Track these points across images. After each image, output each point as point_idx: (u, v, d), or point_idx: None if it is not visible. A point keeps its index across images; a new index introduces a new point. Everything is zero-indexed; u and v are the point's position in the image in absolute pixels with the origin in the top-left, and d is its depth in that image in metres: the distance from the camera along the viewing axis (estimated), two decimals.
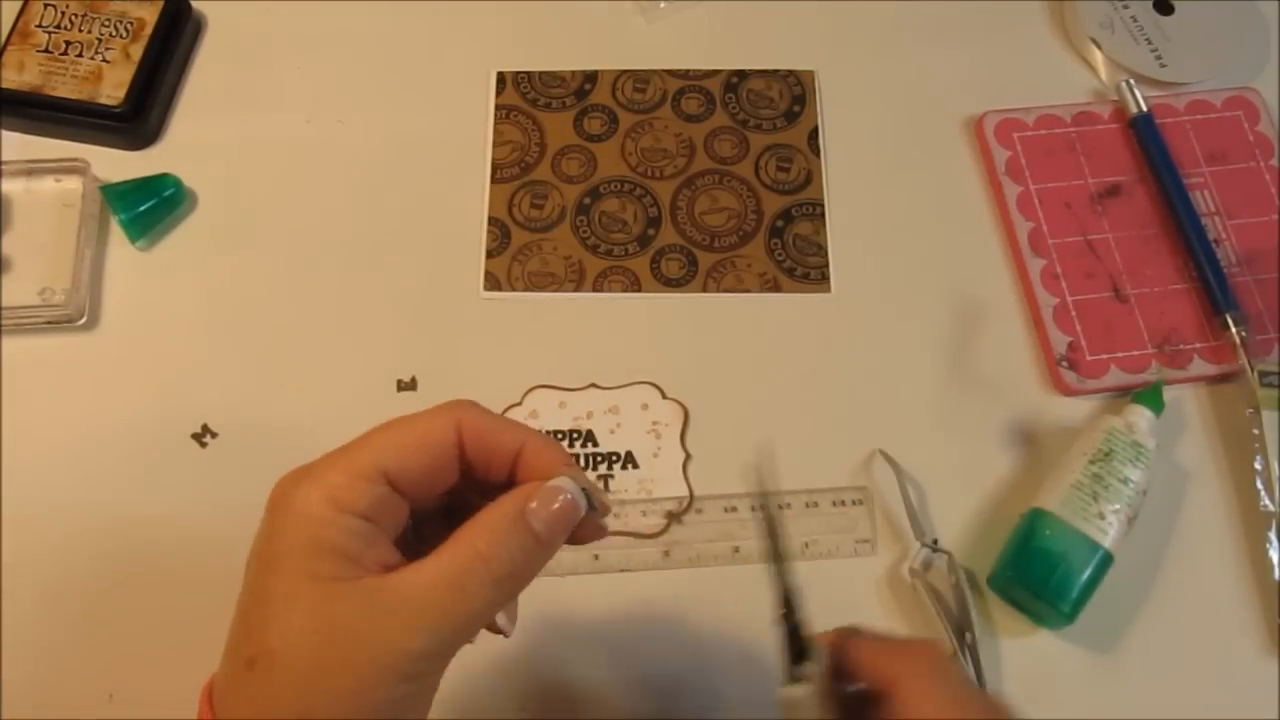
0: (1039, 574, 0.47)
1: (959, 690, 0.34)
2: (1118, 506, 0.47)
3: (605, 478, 0.51)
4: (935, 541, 0.49)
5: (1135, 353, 0.54)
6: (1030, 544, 0.47)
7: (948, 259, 0.57)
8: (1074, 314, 0.54)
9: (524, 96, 0.61)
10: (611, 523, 0.50)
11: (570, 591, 0.49)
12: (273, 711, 0.29)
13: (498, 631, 0.34)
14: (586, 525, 0.34)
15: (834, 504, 0.50)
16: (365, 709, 0.29)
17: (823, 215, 0.58)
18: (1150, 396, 0.51)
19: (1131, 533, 0.49)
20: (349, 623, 0.29)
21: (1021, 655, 0.48)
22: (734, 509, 0.50)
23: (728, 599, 0.49)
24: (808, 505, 0.50)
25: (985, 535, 0.50)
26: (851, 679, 0.35)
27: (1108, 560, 0.47)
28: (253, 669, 0.29)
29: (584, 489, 0.33)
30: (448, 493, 0.34)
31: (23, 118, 0.59)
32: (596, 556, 0.49)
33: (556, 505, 0.32)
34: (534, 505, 0.31)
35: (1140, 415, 0.50)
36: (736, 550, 0.50)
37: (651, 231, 0.57)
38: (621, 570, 0.49)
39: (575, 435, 0.52)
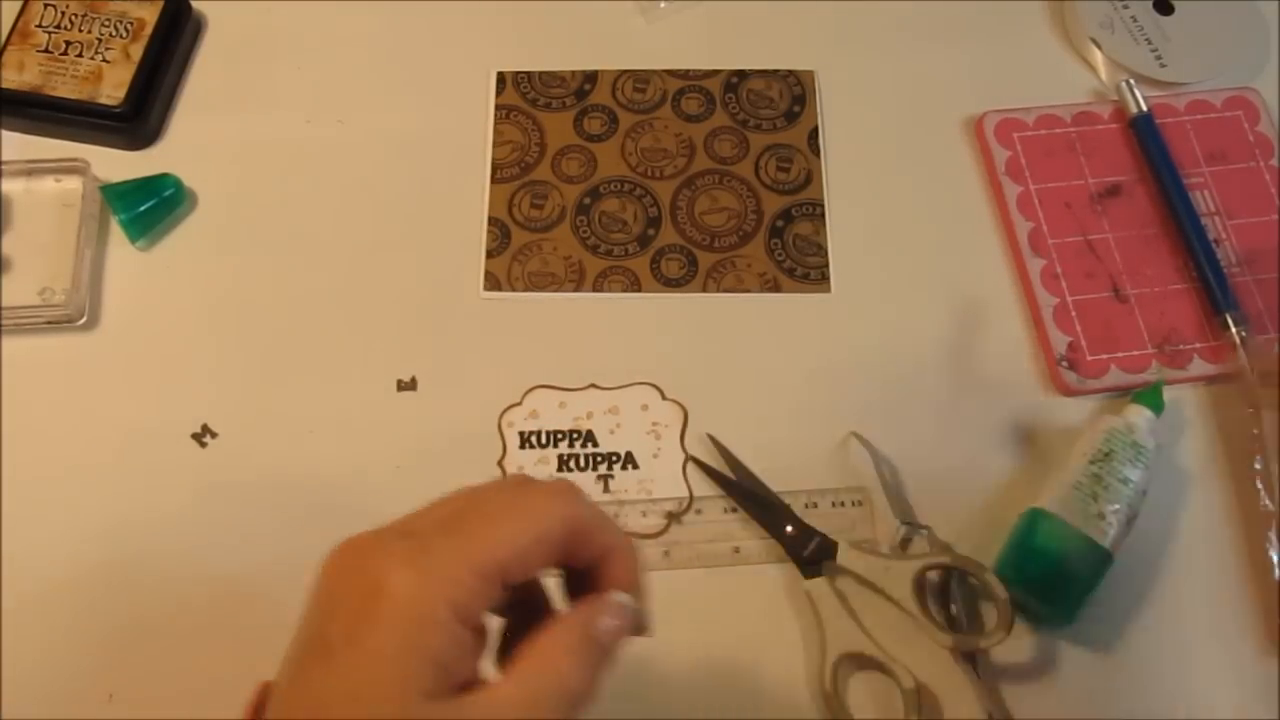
0: (1038, 574, 0.47)
1: None
2: (1117, 506, 0.47)
3: (605, 478, 0.51)
4: (914, 522, 0.49)
5: (1135, 353, 0.54)
6: (1030, 544, 0.47)
7: (948, 259, 0.57)
8: (1074, 314, 0.54)
9: (524, 96, 0.61)
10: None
11: None
12: None
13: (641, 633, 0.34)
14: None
15: (833, 504, 0.50)
16: None
17: (823, 215, 0.58)
18: (1150, 396, 0.51)
19: (1132, 533, 0.49)
20: None
21: (1020, 654, 0.48)
22: (733, 509, 0.50)
23: (727, 599, 0.49)
24: (807, 506, 0.50)
25: (985, 534, 0.50)
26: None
27: (1108, 560, 0.47)
28: None
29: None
30: None
31: (23, 118, 0.59)
32: None
33: (620, 622, 0.31)
34: (604, 621, 0.31)
35: (1140, 415, 0.50)
36: (737, 550, 0.50)
37: (651, 231, 0.57)
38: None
39: (575, 435, 0.52)
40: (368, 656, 0.27)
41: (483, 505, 0.31)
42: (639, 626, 0.32)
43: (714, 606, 0.48)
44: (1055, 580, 0.46)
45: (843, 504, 0.51)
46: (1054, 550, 0.47)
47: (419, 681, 0.27)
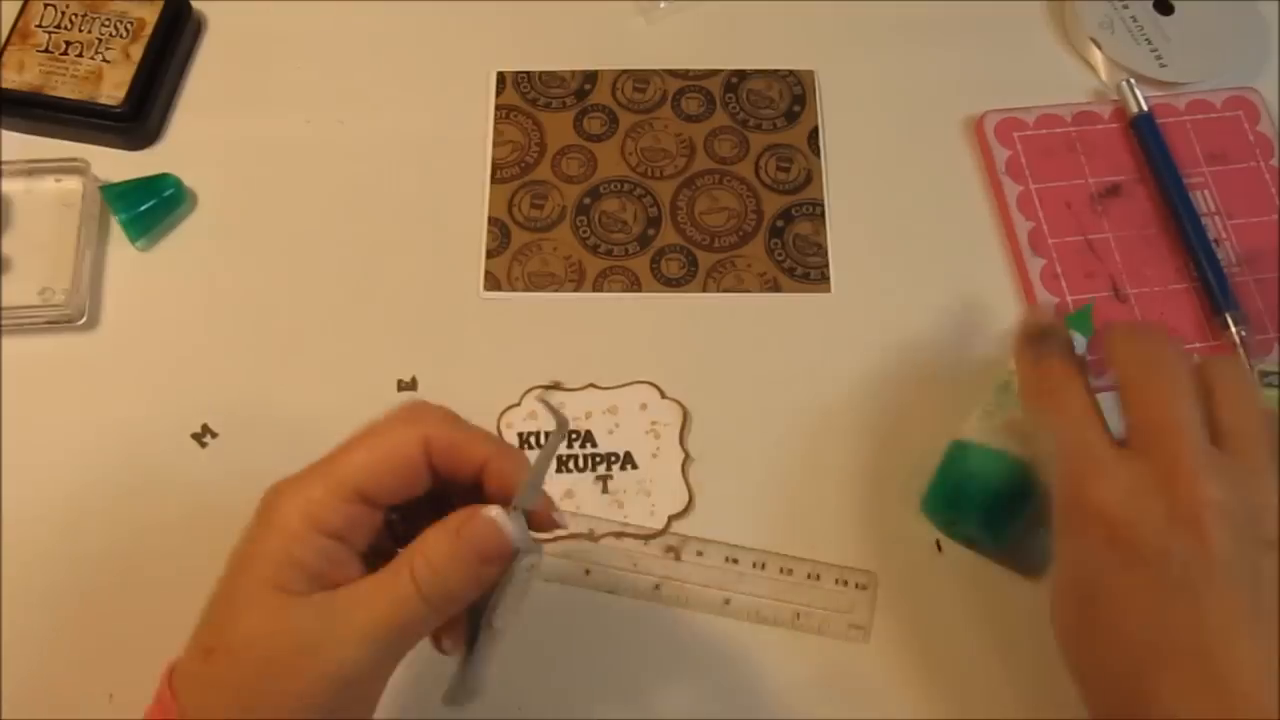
0: (961, 498, 0.47)
1: None
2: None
3: (604, 478, 0.51)
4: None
5: None
6: (948, 472, 0.48)
7: (948, 259, 0.57)
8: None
9: (524, 96, 0.61)
10: (612, 523, 0.50)
11: (573, 595, 0.49)
12: (221, 701, 0.33)
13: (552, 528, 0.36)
14: (540, 516, 0.36)
15: (836, 581, 0.49)
16: (307, 710, 0.32)
17: (823, 215, 0.58)
18: (1078, 319, 0.51)
19: None
20: (298, 631, 0.32)
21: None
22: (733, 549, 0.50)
23: (727, 598, 0.49)
24: (809, 576, 0.49)
25: None
26: None
27: (1029, 470, 0.47)
28: (209, 659, 0.33)
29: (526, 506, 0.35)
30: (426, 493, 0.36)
31: (23, 118, 0.59)
32: (588, 572, 0.49)
33: (479, 526, 0.33)
34: (466, 530, 0.33)
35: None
36: (735, 561, 0.50)
37: (651, 231, 0.57)
38: (629, 570, 0.49)
39: (574, 436, 0.52)
40: (249, 561, 0.33)
41: (352, 437, 0.35)
42: (504, 542, 0.34)
43: (713, 606, 0.48)
44: (975, 499, 0.47)
45: (845, 583, 0.49)
46: (971, 471, 0.47)
47: (286, 579, 0.32)
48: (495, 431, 0.52)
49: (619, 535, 0.50)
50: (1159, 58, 0.61)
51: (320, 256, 0.57)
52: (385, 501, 0.35)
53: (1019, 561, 0.49)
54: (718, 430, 0.52)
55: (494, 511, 0.34)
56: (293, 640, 0.32)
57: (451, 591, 0.33)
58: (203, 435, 0.52)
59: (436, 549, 0.33)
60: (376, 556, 0.35)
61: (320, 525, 0.33)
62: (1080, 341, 0.50)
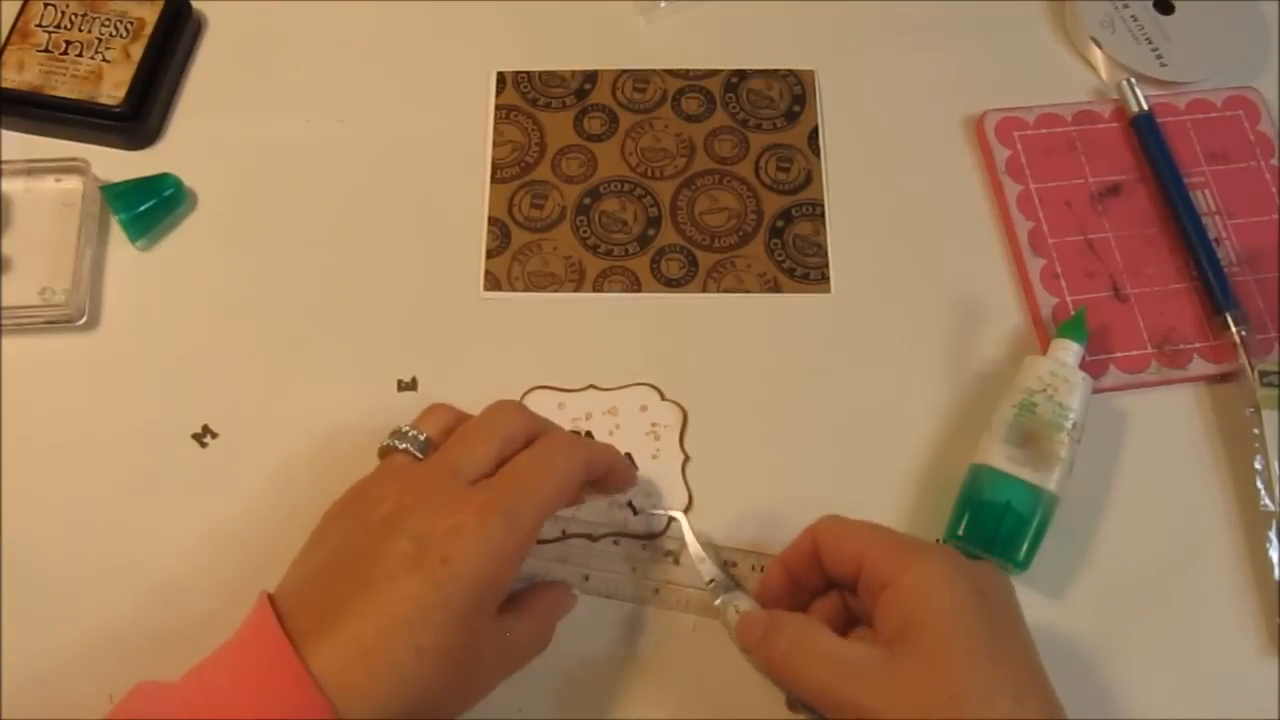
0: (988, 529, 0.47)
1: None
2: (1052, 447, 0.48)
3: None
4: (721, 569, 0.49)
5: (1135, 352, 0.54)
6: (975, 500, 0.48)
7: (948, 258, 0.57)
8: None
9: (524, 96, 0.61)
10: (613, 522, 0.50)
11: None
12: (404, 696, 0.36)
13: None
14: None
15: None
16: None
17: (823, 215, 0.58)
18: (1073, 327, 0.51)
19: (1131, 533, 0.49)
20: (485, 654, 0.39)
21: None
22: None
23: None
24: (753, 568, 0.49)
25: None
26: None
27: (1053, 502, 0.48)
28: (419, 660, 0.36)
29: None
30: None
31: (23, 118, 0.59)
32: (587, 577, 0.49)
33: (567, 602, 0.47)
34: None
35: (1066, 350, 0.50)
36: (733, 565, 0.50)
37: (651, 231, 0.57)
38: (628, 573, 0.49)
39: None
40: (455, 578, 0.36)
41: (526, 466, 0.41)
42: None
43: (711, 607, 0.49)
44: (1004, 532, 0.47)
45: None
46: (998, 502, 0.47)
47: (488, 605, 0.38)
48: None
49: (618, 538, 0.50)
50: (1159, 57, 0.61)
51: (320, 256, 0.57)
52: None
53: (1037, 581, 0.49)
54: (718, 431, 0.52)
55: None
56: (480, 655, 0.39)
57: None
58: (203, 435, 0.52)
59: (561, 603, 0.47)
60: None
61: (526, 556, 0.40)
62: (1075, 349, 0.50)
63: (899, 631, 0.38)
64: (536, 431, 0.43)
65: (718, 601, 0.46)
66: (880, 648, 0.38)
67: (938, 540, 0.49)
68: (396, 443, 0.43)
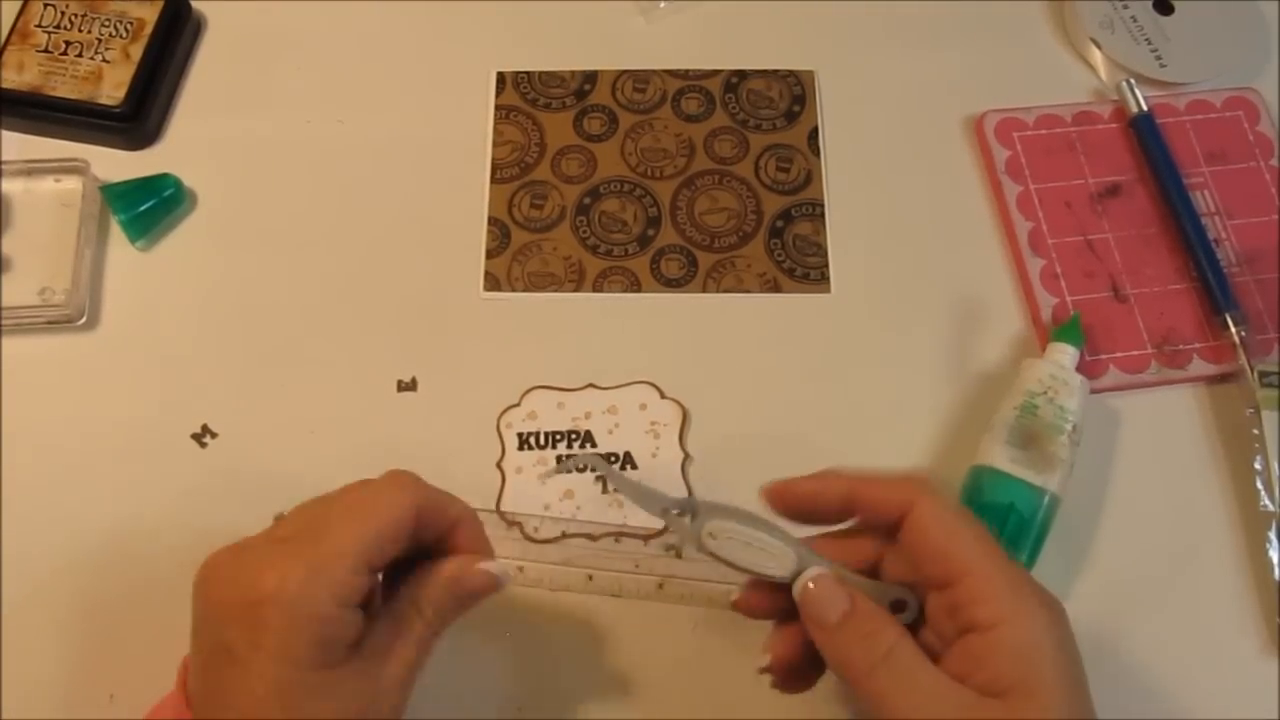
0: (990, 529, 0.47)
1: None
2: (1053, 449, 0.48)
3: (604, 478, 0.51)
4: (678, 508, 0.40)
5: (1135, 352, 0.54)
6: (977, 501, 0.48)
7: (947, 259, 0.57)
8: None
9: (524, 96, 0.61)
10: (612, 522, 0.50)
11: (575, 598, 0.49)
12: None
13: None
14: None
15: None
16: None
17: (823, 215, 0.58)
18: (1069, 331, 0.51)
19: (1131, 533, 0.49)
20: (355, 694, 0.35)
21: None
22: None
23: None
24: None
25: None
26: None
27: (1055, 503, 0.48)
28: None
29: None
30: None
31: (23, 118, 0.59)
32: (591, 578, 0.49)
33: (480, 582, 0.40)
34: (466, 581, 0.39)
35: (1063, 353, 0.51)
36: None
37: (651, 232, 0.57)
38: (631, 571, 0.49)
39: (574, 436, 0.52)
40: (269, 657, 0.34)
41: (337, 508, 0.37)
42: (496, 584, 0.40)
43: (708, 609, 0.48)
44: (1008, 532, 0.47)
45: None
46: (1001, 503, 0.47)
47: (310, 662, 0.34)
48: (495, 432, 0.52)
49: (619, 535, 0.50)
50: (1159, 58, 0.61)
51: (320, 256, 0.57)
52: (383, 566, 0.37)
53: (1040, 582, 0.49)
54: (718, 430, 0.52)
55: (491, 566, 0.40)
56: (353, 704, 0.35)
57: (450, 623, 0.39)
58: (203, 435, 0.52)
59: (441, 597, 0.39)
60: None
61: (346, 601, 0.35)
62: (1072, 352, 0.50)
63: (999, 685, 0.35)
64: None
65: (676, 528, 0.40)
66: (979, 696, 0.35)
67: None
68: None
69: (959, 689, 0.35)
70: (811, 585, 0.38)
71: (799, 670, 0.40)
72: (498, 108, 0.61)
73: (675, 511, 0.39)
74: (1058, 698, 0.34)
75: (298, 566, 0.34)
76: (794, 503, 0.40)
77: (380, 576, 0.39)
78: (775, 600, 0.39)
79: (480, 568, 0.40)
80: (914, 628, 0.38)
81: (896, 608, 0.38)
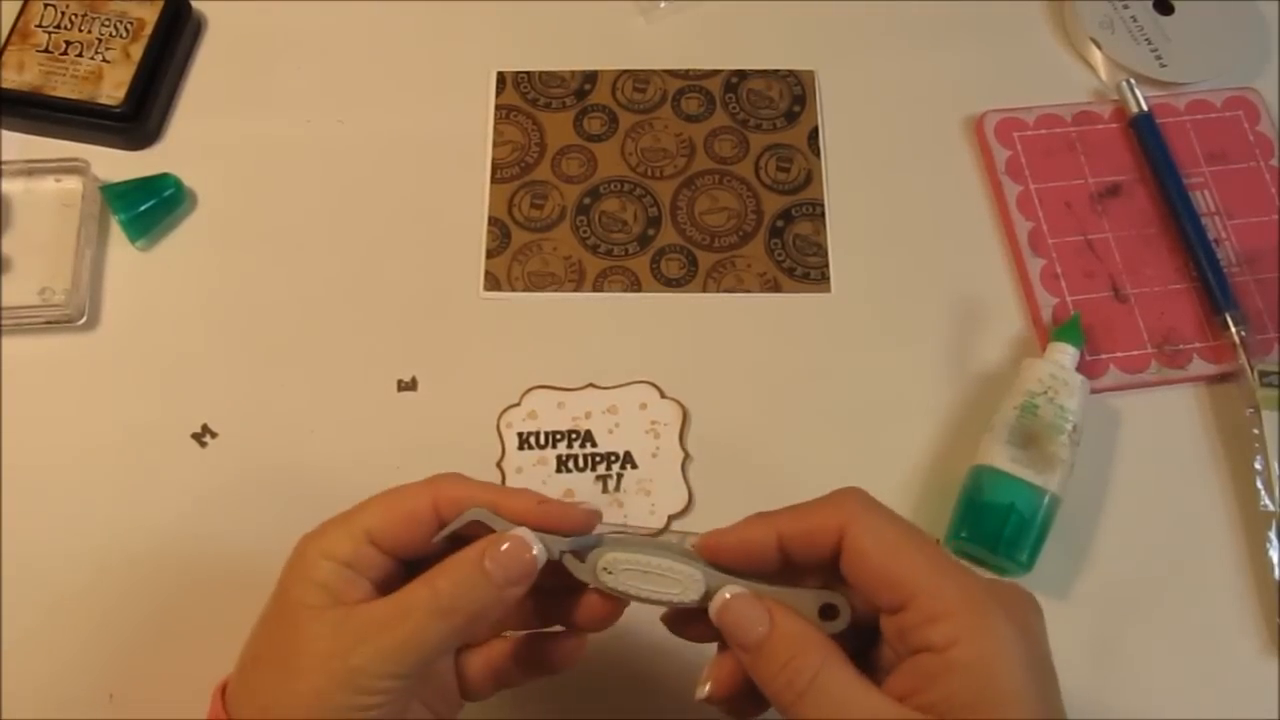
0: (992, 530, 0.47)
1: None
2: (1054, 449, 0.48)
3: (604, 478, 0.51)
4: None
5: (1135, 352, 0.54)
6: (977, 501, 0.48)
7: (947, 259, 0.57)
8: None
9: (524, 96, 0.61)
10: (613, 523, 0.50)
11: None
12: (254, 703, 0.35)
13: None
14: (561, 645, 0.39)
15: None
16: (322, 711, 0.34)
17: (823, 215, 0.58)
18: (1069, 331, 0.51)
19: (1131, 533, 0.49)
20: (315, 637, 0.34)
21: None
22: None
23: None
24: None
25: None
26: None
27: (1055, 503, 0.48)
28: (243, 670, 0.36)
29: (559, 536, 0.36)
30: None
31: (23, 118, 0.59)
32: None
33: (505, 546, 0.35)
34: (492, 550, 0.35)
35: (1064, 353, 0.51)
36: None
37: (651, 231, 0.57)
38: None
39: (574, 436, 0.52)
40: (279, 591, 0.36)
41: (379, 494, 0.37)
42: (526, 551, 0.36)
43: None
44: (1008, 532, 0.47)
45: None
46: (1001, 503, 0.47)
47: (308, 597, 0.35)
48: (495, 432, 0.52)
49: (620, 531, 0.50)
50: (1159, 58, 0.61)
51: (320, 256, 0.57)
52: (393, 548, 0.36)
53: (1039, 582, 0.49)
54: (717, 430, 0.52)
55: (521, 531, 0.36)
56: (310, 647, 0.34)
57: (472, 609, 0.35)
58: (203, 435, 0.52)
59: (460, 568, 0.35)
60: None
61: (331, 555, 0.36)
62: (1072, 352, 0.50)
63: (951, 703, 0.32)
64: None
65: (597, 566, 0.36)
66: (918, 715, 0.32)
67: (948, 538, 0.49)
68: None
69: (899, 709, 0.32)
70: (725, 607, 0.35)
71: (747, 696, 0.36)
72: (498, 108, 0.61)
73: (567, 551, 0.36)
74: (1023, 712, 0.32)
75: (314, 533, 0.37)
76: (727, 556, 0.36)
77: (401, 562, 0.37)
78: (710, 627, 0.36)
79: (514, 533, 0.36)
80: (871, 644, 0.36)
81: (827, 613, 0.35)
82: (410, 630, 0.34)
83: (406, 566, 0.37)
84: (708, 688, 0.37)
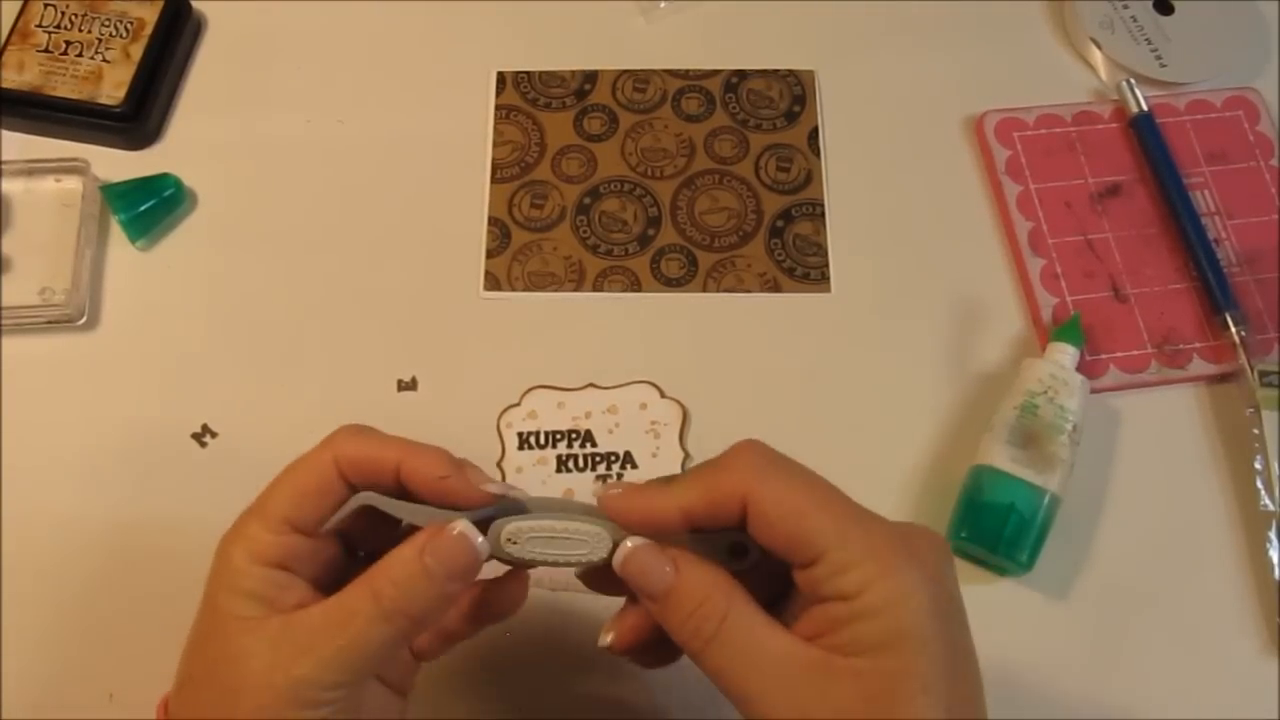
0: (992, 530, 0.47)
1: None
2: (1054, 449, 0.48)
3: (604, 478, 0.51)
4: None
5: (1135, 352, 0.54)
6: (977, 501, 0.48)
7: (947, 258, 0.57)
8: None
9: (524, 96, 0.61)
10: None
11: (573, 598, 0.49)
12: None
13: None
14: (504, 590, 0.37)
15: None
16: None
17: (823, 215, 0.58)
18: (1069, 331, 0.51)
19: (1131, 533, 0.49)
20: (252, 653, 0.33)
21: (1010, 656, 0.48)
22: None
23: None
24: None
25: None
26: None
27: (1055, 503, 0.48)
28: (180, 690, 0.35)
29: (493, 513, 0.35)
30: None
31: (23, 118, 0.59)
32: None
33: (445, 540, 0.34)
34: (431, 546, 0.34)
35: (1064, 353, 0.51)
36: None
37: (651, 231, 0.57)
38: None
39: (574, 435, 0.52)
40: (207, 601, 0.35)
41: (285, 470, 0.37)
42: (469, 547, 0.34)
43: None
44: (1008, 531, 0.47)
45: None
46: (1002, 503, 0.47)
47: (239, 608, 0.34)
48: (495, 432, 0.52)
49: None
50: (1159, 58, 0.61)
51: (320, 256, 0.57)
52: (317, 527, 0.35)
53: (1039, 582, 0.49)
54: (718, 430, 0.52)
55: (461, 525, 0.34)
56: (247, 663, 0.33)
57: (416, 611, 0.34)
58: (203, 435, 0.52)
59: (401, 567, 0.34)
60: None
61: (259, 558, 0.35)
62: (1072, 352, 0.50)
63: (859, 645, 0.32)
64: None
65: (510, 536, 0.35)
66: (829, 654, 0.32)
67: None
68: None
69: (807, 649, 0.32)
70: (629, 558, 0.34)
71: (655, 645, 0.36)
72: (498, 107, 0.61)
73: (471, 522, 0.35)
74: (929, 650, 0.32)
75: (230, 534, 0.35)
76: (637, 524, 0.35)
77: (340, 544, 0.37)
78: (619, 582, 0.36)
79: (450, 529, 0.34)
80: (783, 594, 0.35)
81: (736, 552, 0.35)
82: (352, 637, 0.33)
83: (342, 537, 0.37)
84: (610, 637, 0.36)
